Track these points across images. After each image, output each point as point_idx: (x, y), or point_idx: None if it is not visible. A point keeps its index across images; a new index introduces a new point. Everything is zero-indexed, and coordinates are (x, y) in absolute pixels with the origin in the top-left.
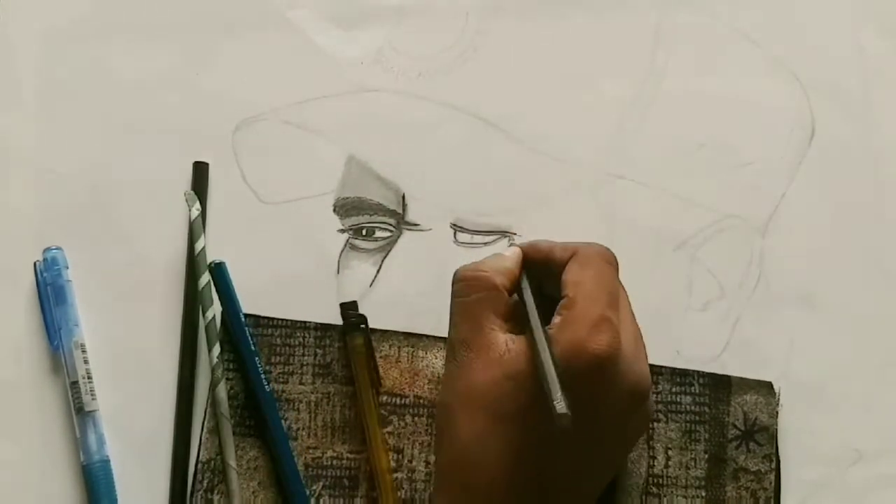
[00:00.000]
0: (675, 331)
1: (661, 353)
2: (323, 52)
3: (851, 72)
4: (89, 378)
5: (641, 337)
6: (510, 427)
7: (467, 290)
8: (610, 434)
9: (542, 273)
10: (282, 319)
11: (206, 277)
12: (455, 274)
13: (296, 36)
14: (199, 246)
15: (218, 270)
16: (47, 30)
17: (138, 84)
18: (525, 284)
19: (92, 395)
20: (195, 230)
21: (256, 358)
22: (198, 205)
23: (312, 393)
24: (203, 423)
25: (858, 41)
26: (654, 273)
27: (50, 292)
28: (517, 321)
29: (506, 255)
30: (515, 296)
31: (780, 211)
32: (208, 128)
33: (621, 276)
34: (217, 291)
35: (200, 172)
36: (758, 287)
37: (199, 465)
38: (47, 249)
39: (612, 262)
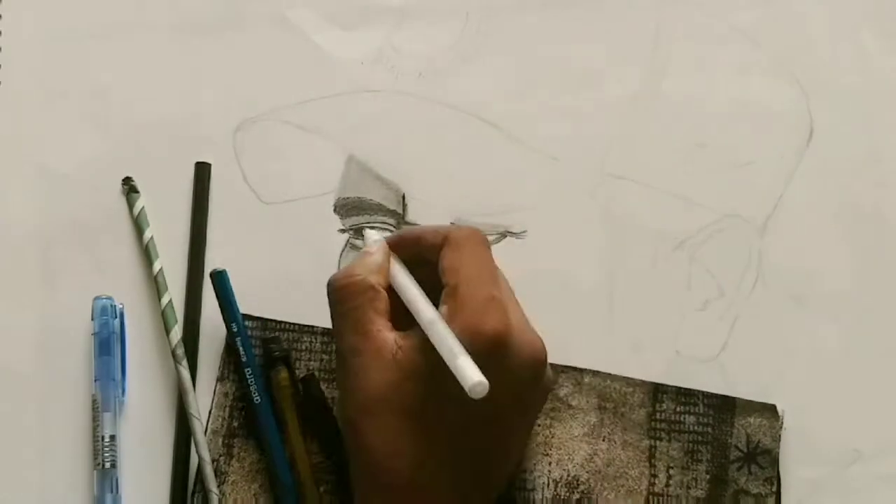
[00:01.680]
0: (675, 330)
1: (660, 352)
2: (323, 52)
3: (851, 72)
4: (112, 441)
5: (522, 310)
6: (417, 424)
7: (345, 297)
8: (512, 411)
9: (414, 260)
10: (289, 323)
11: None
12: (328, 285)
13: (296, 36)
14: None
15: (219, 278)
16: (47, 30)
17: (138, 84)
18: (399, 272)
19: (114, 458)
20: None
21: (248, 368)
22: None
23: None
24: (206, 423)
25: (858, 41)
26: (653, 273)
27: (95, 341)
28: (400, 316)
29: (372, 252)
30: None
31: (779, 211)
32: (209, 128)
33: (622, 276)
34: (217, 299)
35: (202, 173)
36: (756, 286)
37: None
38: (98, 298)
39: (484, 242)
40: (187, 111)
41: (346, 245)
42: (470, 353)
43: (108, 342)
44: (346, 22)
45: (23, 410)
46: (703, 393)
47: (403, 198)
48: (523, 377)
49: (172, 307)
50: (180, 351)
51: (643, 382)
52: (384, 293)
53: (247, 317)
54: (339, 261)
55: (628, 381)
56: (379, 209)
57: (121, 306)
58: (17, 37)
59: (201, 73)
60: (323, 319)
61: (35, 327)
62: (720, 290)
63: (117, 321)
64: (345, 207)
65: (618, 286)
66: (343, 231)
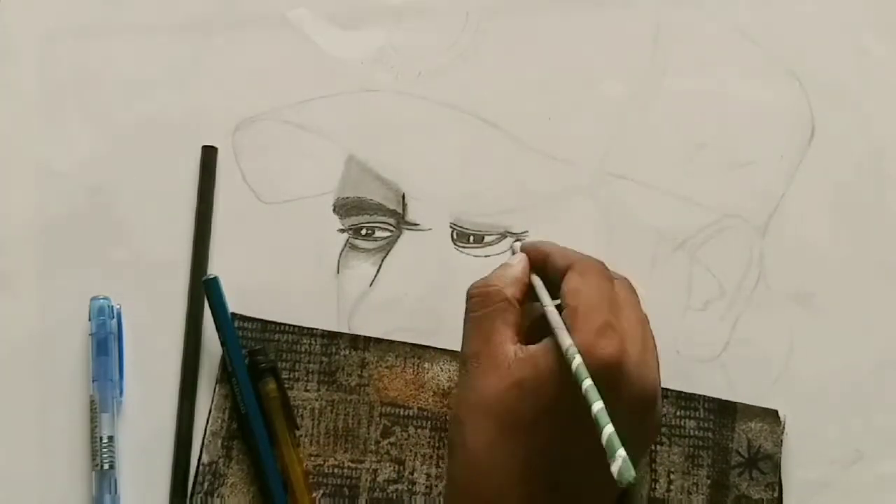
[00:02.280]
0: (675, 330)
1: (661, 352)
2: (323, 52)
3: (851, 71)
4: (111, 442)
5: (654, 347)
6: (518, 436)
7: (478, 305)
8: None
9: (538, 275)
10: (290, 325)
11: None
12: (467, 291)
13: (296, 36)
14: None
15: (211, 286)
16: (47, 30)
17: (138, 84)
18: (544, 292)
19: (112, 458)
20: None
21: (234, 378)
22: None
23: (317, 400)
24: (206, 425)
25: (858, 41)
26: (654, 273)
27: (93, 342)
28: (531, 332)
29: (512, 265)
30: (528, 304)
31: (780, 211)
32: (208, 127)
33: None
34: (210, 307)
35: (209, 157)
36: (758, 287)
37: (201, 468)
38: (95, 298)
39: (606, 274)
40: (187, 111)
41: (345, 245)
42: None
43: (105, 342)
44: (346, 22)
45: (21, 411)
46: (703, 397)
47: (403, 198)
48: (631, 411)
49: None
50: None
51: None
52: (517, 306)
53: (246, 318)
54: (339, 261)
55: None
56: (379, 209)
57: (118, 307)
58: (17, 36)
59: (201, 73)
60: (322, 320)
61: (33, 327)
62: (721, 290)
63: (114, 321)
64: (344, 207)
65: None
66: (343, 231)
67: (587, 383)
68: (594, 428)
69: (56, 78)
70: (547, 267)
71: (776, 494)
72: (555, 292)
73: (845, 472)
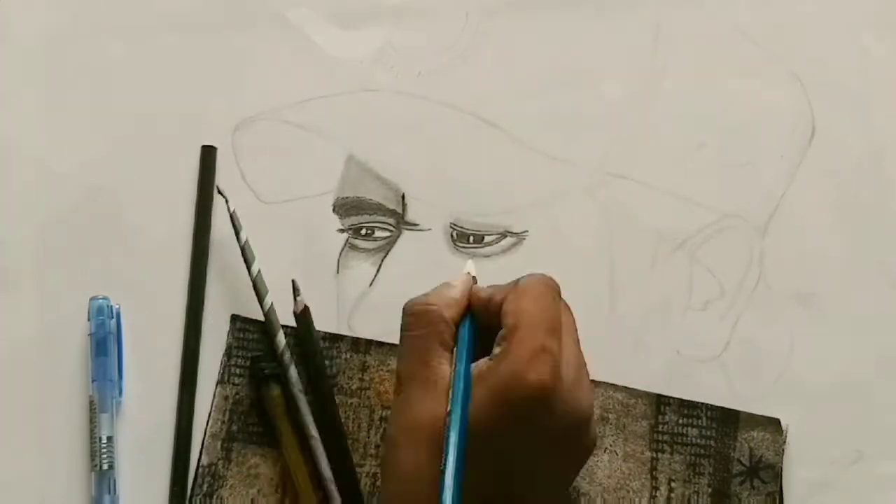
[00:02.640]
0: (675, 330)
1: (661, 353)
2: (323, 51)
3: (852, 71)
4: (110, 442)
5: (584, 364)
6: None
7: (415, 324)
8: (546, 465)
9: (483, 316)
10: (291, 328)
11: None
12: (404, 308)
13: (296, 36)
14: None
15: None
16: (48, 29)
17: (138, 84)
18: (462, 332)
19: (111, 459)
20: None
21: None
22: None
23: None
24: (206, 426)
25: (859, 41)
26: (654, 273)
27: (92, 342)
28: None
29: (454, 285)
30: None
31: (780, 211)
32: (208, 127)
33: (622, 276)
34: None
35: (208, 156)
36: (758, 287)
37: (200, 469)
38: (94, 298)
39: (552, 286)
40: (187, 111)
41: (345, 245)
42: (508, 401)
43: (104, 343)
44: (346, 22)
45: (21, 411)
46: (706, 405)
47: (403, 197)
48: (557, 435)
49: (274, 310)
50: (287, 357)
51: (646, 394)
52: (453, 328)
53: (248, 321)
54: (339, 260)
55: (631, 392)
56: (378, 209)
57: (117, 307)
58: (17, 37)
59: (201, 73)
60: (322, 320)
61: (32, 328)
62: (721, 290)
63: (114, 321)
64: (344, 207)
65: (618, 286)
66: (342, 231)
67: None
68: (520, 451)
69: (56, 78)
70: (491, 305)
71: None
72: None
73: (845, 472)
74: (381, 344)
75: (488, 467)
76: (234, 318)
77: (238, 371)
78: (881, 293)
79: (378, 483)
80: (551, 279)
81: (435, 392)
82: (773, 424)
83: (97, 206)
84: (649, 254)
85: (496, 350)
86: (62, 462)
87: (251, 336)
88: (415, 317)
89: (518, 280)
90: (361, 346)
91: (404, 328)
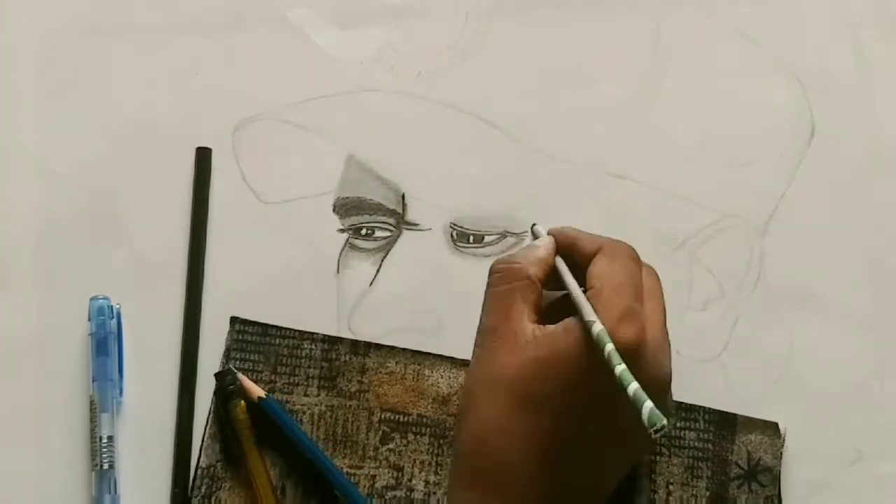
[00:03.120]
0: (675, 330)
1: None
2: (323, 51)
3: (851, 71)
4: (110, 441)
5: (668, 338)
6: (530, 412)
7: (500, 280)
8: (629, 426)
9: (566, 260)
10: (290, 329)
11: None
12: (491, 266)
13: (296, 36)
14: None
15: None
16: (47, 30)
17: (138, 84)
18: (567, 273)
19: (112, 458)
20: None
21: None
22: None
23: (316, 405)
24: (205, 428)
25: (858, 41)
26: None
27: (92, 342)
28: (549, 313)
29: (538, 245)
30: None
31: (779, 210)
32: (208, 127)
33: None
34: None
35: (203, 158)
36: (758, 287)
37: (199, 471)
38: (94, 298)
39: (637, 259)
40: (187, 111)
41: (345, 245)
42: (598, 359)
43: (105, 342)
44: (346, 22)
45: (21, 411)
46: (703, 409)
47: (403, 197)
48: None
49: None
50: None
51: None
52: (538, 285)
53: (247, 322)
54: (339, 260)
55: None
56: (378, 209)
57: (118, 306)
58: (17, 37)
59: (201, 72)
60: (322, 319)
61: (32, 327)
62: (721, 290)
63: (114, 321)
64: (344, 207)
65: None
66: (342, 231)
67: (609, 347)
68: (609, 410)
69: (56, 78)
70: (574, 252)
71: None
72: (580, 279)
73: (845, 472)
74: (379, 346)
75: (566, 429)
76: (234, 320)
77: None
78: (881, 293)
79: (376, 485)
80: (631, 247)
81: (515, 345)
82: (772, 428)
83: (98, 206)
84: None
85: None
86: (62, 462)
87: (251, 338)
88: (499, 273)
89: (602, 241)
90: (360, 348)
91: (490, 285)
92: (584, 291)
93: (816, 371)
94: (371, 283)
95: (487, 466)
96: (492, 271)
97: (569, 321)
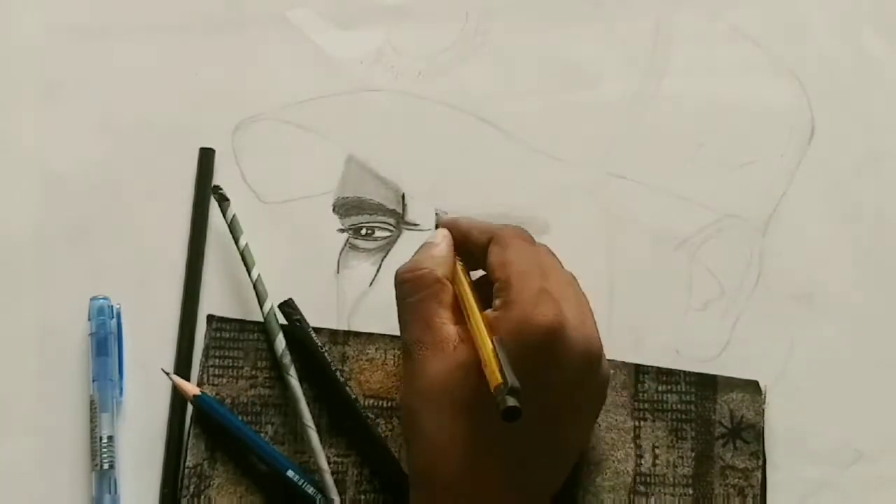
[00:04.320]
0: (675, 330)
1: (660, 352)
2: (323, 51)
3: (851, 71)
4: (110, 442)
5: (587, 304)
6: (472, 416)
7: (412, 290)
8: (568, 406)
9: (460, 251)
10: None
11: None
12: (395, 276)
13: (296, 36)
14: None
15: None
16: (48, 29)
17: (138, 84)
18: (460, 273)
19: (112, 458)
20: (234, 228)
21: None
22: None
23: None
24: (188, 428)
25: (858, 40)
26: (653, 273)
27: (92, 342)
28: (462, 308)
29: (436, 243)
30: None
31: (779, 210)
32: (208, 127)
33: (622, 276)
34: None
35: (206, 159)
36: (758, 286)
37: (186, 471)
38: (94, 298)
39: (529, 240)
40: (187, 111)
41: (345, 245)
42: (522, 347)
43: (105, 342)
44: (346, 22)
45: (21, 411)
46: (683, 372)
47: (403, 197)
48: (577, 372)
49: (275, 314)
50: (287, 360)
51: (624, 364)
52: (449, 286)
53: (223, 319)
54: (339, 260)
55: (610, 363)
56: (378, 209)
57: (118, 306)
58: (17, 36)
59: (201, 72)
60: (322, 319)
61: (33, 327)
62: (721, 290)
63: (114, 321)
64: (344, 207)
65: (618, 286)
66: (342, 231)
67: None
68: (541, 395)
69: (56, 78)
70: (468, 243)
71: (760, 462)
72: (475, 264)
73: (845, 472)
74: (358, 334)
75: (508, 427)
76: (211, 319)
77: (216, 371)
78: (881, 293)
79: (364, 472)
80: (520, 228)
81: (443, 353)
82: (752, 385)
83: (98, 206)
84: (649, 254)
85: (496, 302)
86: (63, 462)
87: (228, 335)
88: (409, 283)
89: (492, 230)
90: (339, 337)
91: (401, 296)
92: (492, 283)
93: (816, 371)
94: (371, 283)
95: (440, 476)
96: (399, 282)
97: (487, 317)
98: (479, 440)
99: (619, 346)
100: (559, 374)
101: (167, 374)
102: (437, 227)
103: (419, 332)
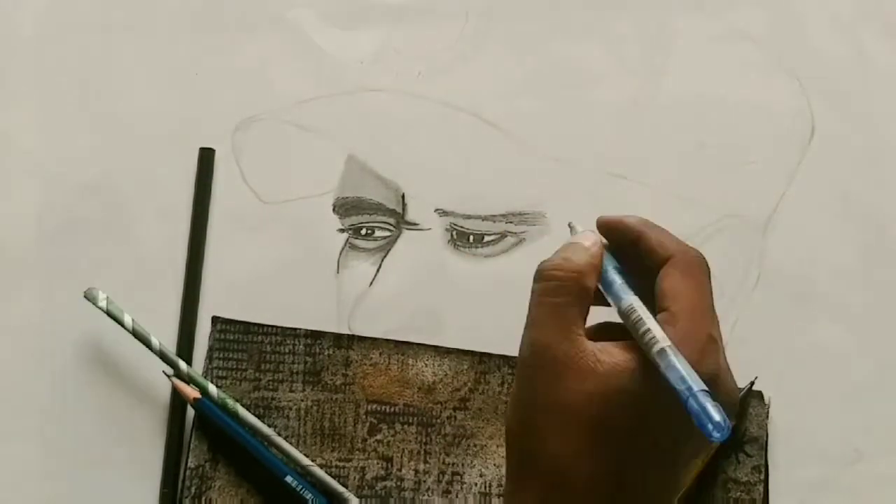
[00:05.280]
0: None
1: None
2: (323, 52)
3: (851, 71)
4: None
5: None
6: (602, 443)
7: (559, 291)
8: (690, 455)
9: (619, 253)
10: (273, 326)
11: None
12: (541, 269)
13: (296, 36)
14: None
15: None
16: (48, 29)
17: (138, 84)
18: (626, 291)
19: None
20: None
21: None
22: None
23: (302, 401)
24: (191, 430)
25: (858, 41)
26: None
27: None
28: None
29: (587, 247)
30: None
31: (780, 210)
32: (208, 127)
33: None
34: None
35: (206, 159)
36: (758, 286)
37: (188, 472)
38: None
39: (708, 272)
40: (187, 111)
41: (345, 245)
42: None
43: None
44: (346, 22)
45: (21, 411)
46: None
47: (403, 197)
48: None
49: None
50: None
51: None
52: (591, 297)
53: (228, 321)
54: (339, 260)
55: None
56: (378, 209)
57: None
58: (16, 36)
59: (201, 73)
60: (322, 319)
61: (32, 327)
62: (721, 290)
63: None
64: (344, 207)
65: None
66: (342, 231)
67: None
68: (679, 443)
69: (56, 78)
70: (639, 251)
71: (762, 476)
72: (636, 272)
73: (845, 472)
74: (362, 338)
75: (638, 457)
76: (216, 320)
77: (220, 373)
78: (881, 293)
79: (366, 477)
80: (705, 259)
81: (579, 369)
82: (756, 398)
83: (97, 206)
84: None
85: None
86: (63, 461)
87: (233, 336)
88: (556, 282)
89: (674, 248)
90: (343, 341)
91: (542, 293)
92: (652, 309)
93: (816, 371)
94: (371, 283)
95: (565, 491)
96: (542, 277)
97: (632, 344)
98: (605, 468)
99: None
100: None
101: (168, 376)
102: (572, 231)
103: (550, 337)
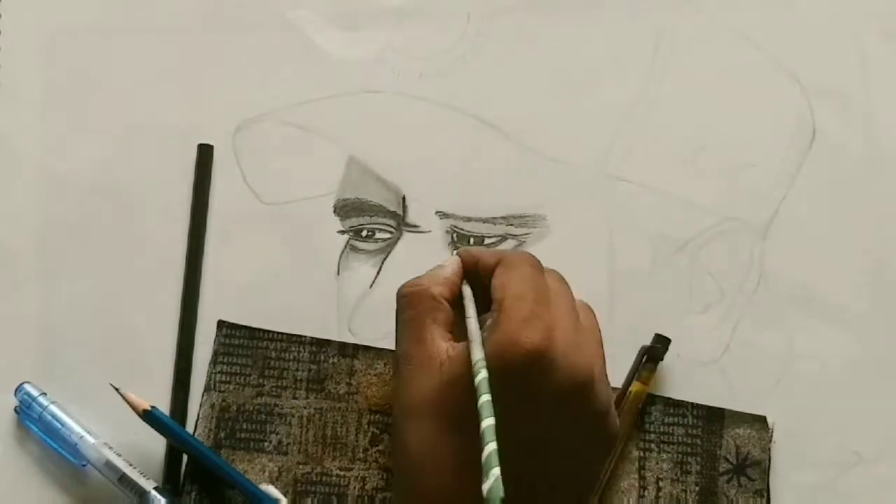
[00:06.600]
0: (676, 333)
1: None
2: (324, 52)
3: (852, 74)
4: (131, 465)
5: (594, 336)
6: (458, 433)
7: (407, 305)
8: (557, 433)
9: (474, 280)
10: (278, 333)
11: None
12: (397, 292)
13: (296, 36)
14: None
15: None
16: (48, 30)
17: (138, 84)
18: (465, 293)
19: (144, 475)
20: None
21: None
22: None
23: (305, 408)
24: (194, 430)
25: (859, 43)
26: (654, 275)
27: (40, 429)
28: (461, 331)
29: (444, 265)
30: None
31: (780, 213)
32: (208, 128)
33: (621, 278)
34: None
35: (205, 155)
36: (758, 289)
37: (189, 477)
38: (19, 389)
39: (536, 266)
40: (187, 111)
41: (345, 246)
42: (503, 366)
43: (50, 423)
44: (347, 23)
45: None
46: (691, 404)
47: (404, 199)
48: (559, 398)
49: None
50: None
51: None
52: (446, 305)
53: (233, 326)
54: (339, 262)
55: (616, 391)
56: (379, 210)
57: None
58: (17, 37)
59: (201, 73)
60: (322, 321)
61: (33, 327)
62: (721, 293)
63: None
64: (345, 208)
65: (618, 288)
66: (343, 232)
67: (484, 398)
68: (524, 418)
69: (56, 78)
70: (479, 268)
71: (764, 501)
72: (489, 296)
73: (844, 475)
74: (368, 348)
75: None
76: (221, 324)
77: (223, 378)
78: (881, 296)
79: (366, 487)
80: (530, 255)
81: (431, 368)
82: (759, 421)
83: (98, 206)
84: (650, 256)
85: (488, 322)
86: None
87: (238, 341)
88: (405, 298)
89: (501, 254)
90: (349, 350)
91: (398, 312)
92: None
93: (816, 374)
94: (371, 285)
95: (427, 493)
96: (398, 298)
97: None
98: (464, 457)
99: (618, 350)
100: (540, 398)
101: (116, 389)
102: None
103: (409, 346)
